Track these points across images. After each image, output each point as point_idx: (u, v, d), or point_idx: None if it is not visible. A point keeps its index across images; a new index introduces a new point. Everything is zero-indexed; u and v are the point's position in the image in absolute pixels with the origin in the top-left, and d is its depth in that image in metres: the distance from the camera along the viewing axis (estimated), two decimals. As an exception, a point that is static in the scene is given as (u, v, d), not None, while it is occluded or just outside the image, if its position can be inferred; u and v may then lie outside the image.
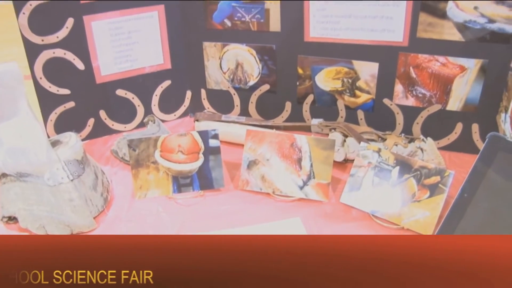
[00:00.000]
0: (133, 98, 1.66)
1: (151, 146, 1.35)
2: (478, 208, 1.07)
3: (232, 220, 1.25)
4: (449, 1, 1.35)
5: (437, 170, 1.21)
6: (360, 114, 1.59)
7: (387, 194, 1.24)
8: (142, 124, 1.67)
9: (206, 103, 1.75)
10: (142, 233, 1.21)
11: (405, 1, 1.38)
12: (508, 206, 1.05)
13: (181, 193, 1.35)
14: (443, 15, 1.37)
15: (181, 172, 1.35)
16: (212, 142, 1.35)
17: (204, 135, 1.35)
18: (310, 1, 1.46)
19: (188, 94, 1.75)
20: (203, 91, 1.74)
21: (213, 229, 1.21)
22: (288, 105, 1.66)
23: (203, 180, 1.35)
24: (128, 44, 1.59)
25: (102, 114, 1.63)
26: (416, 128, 1.54)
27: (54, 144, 1.31)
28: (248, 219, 1.25)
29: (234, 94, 1.69)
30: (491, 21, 1.34)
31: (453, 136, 1.52)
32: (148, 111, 1.70)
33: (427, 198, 1.20)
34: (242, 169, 1.36)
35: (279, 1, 1.49)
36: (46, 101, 1.53)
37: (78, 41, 1.50)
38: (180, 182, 1.35)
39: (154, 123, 1.56)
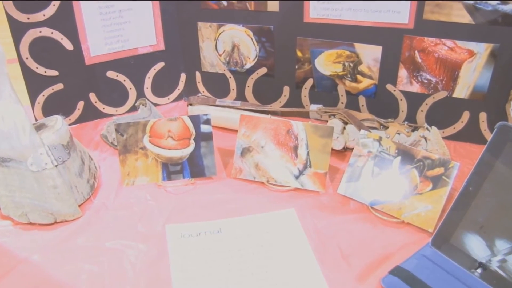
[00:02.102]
0: (124, 80, 1.60)
1: (139, 131, 1.28)
2: (484, 202, 1.01)
3: (223, 210, 1.20)
4: (459, -20, 1.27)
5: (441, 161, 1.14)
6: (362, 100, 1.52)
7: (387, 185, 1.18)
8: (134, 108, 1.61)
9: (201, 87, 1.69)
10: (128, 223, 1.16)
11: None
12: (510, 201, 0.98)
13: (171, 180, 1.29)
14: (452, -4, 1.30)
15: (171, 159, 1.29)
16: (204, 128, 1.29)
17: (195, 120, 1.29)
18: (310, -21, 1.39)
19: (183, 77, 1.69)
20: (197, 74, 1.67)
21: (203, 219, 1.16)
22: (286, 90, 1.59)
23: (194, 167, 1.29)
24: (119, 24, 1.52)
25: (92, 97, 1.57)
26: (421, 116, 1.47)
27: (39, 128, 1.25)
28: (240, 210, 1.20)
29: (230, 77, 1.63)
30: (504, 2, 1.26)
31: (459, 125, 1.45)
32: (140, 94, 1.64)
33: (429, 191, 1.13)
34: (235, 157, 1.30)
35: (278, -21, 1.42)
36: (33, 83, 1.48)
37: (66, 20, 1.44)
38: (170, 169, 1.29)
39: (146, 107, 1.50)
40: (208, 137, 1.29)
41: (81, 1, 1.43)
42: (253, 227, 1.13)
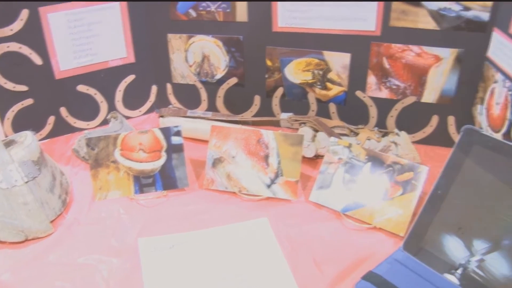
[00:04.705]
0: (95, 94, 1.59)
1: (110, 145, 1.28)
2: (452, 205, 1.02)
3: (196, 222, 1.19)
4: (423, -12, 1.29)
5: (410, 166, 1.15)
6: (332, 108, 1.53)
7: (358, 191, 1.19)
8: (106, 121, 1.59)
9: (172, 98, 1.68)
10: (101, 237, 1.15)
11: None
12: (483, 202, 1.00)
13: (143, 193, 1.29)
14: (417, 3, 1.31)
15: (142, 172, 1.28)
16: (175, 140, 1.29)
17: (166, 132, 1.29)
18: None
19: (154, 89, 1.69)
20: (168, 86, 1.67)
21: (176, 231, 1.16)
22: (257, 99, 1.60)
23: (166, 179, 1.29)
24: (88, 37, 1.51)
25: (63, 111, 1.56)
26: (391, 121, 1.48)
27: (8, 144, 1.23)
28: (214, 220, 1.19)
29: (201, 88, 1.63)
30: (466, 8, 1.28)
31: (428, 129, 1.47)
32: (112, 107, 1.63)
33: (400, 196, 1.14)
34: (207, 168, 1.30)
35: (246, -10, 1.43)
36: (2, 99, 1.46)
37: (34, 34, 1.43)
38: (142, 182, 1.29)
39: (117, 120, 1.49)
40: (179, 148, 1.29)
41: (49, 15, 1.41)
42: (226, 238, 1.13)
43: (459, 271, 0.96)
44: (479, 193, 1.00)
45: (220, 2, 1.46)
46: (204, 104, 1.65)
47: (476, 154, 1.01)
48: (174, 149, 1.29)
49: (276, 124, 1.55)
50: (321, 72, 1.48)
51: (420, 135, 1.48)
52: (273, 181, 1.25)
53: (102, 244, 1.12)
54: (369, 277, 0.99)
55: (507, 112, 1.18)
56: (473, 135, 1.02)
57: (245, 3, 1.44)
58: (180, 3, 1.49)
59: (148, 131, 1.29)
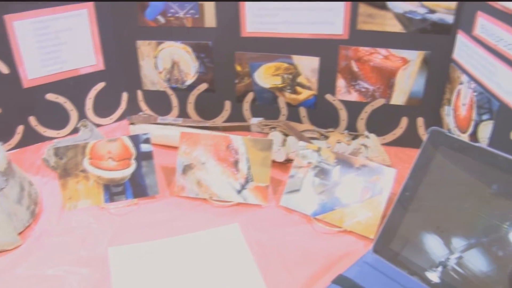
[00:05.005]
0: (65, 102, 1.57)
1: (79, 154, 1.26)
2: (420, 206, 1.03)
3: (167, 229, 1.18)
4: (389, -9, 1.31)
5: (379, 169, 1.16)
6: (303, 111, 1.53)
7: (327, 195, 1.19)
8: (76, 130, 1.57)
9: (143, 105, 1.67)
10: (70, 248, 1.13)
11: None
12: (450, 203, 1.00)
13: (114, 202, 1.27)
14: (383, 6, 1.32)
15: (112, 180, 1.27)
16: (144, 147, 1.28)
17: (135, 139, 1.28)
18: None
19: (125, 96, 1.67)
20: (139, 93, 1.66)
21: (147, 239, 1.15)
22: (228, 104, 1.60)
23: (137, 187, 1.28)
24: (56, 45, 1.49)
25: (32, 120, 1.54)
26: (361, 124, 1.49)
27: (-25, 155, 1.22)
28: (185, 227, 1.19)
29: (171, 94, 1.62)
30: (431, 11, 1.30)
31: (398, 131, 1.48)
32: (82, 115, 1.61)
33: (369, 198, 1.15)
34: (177, 174, 1.29)
35: (213, -5, 1.43)
36: (-31, 109, 1.44)
37: (0, 43, 1.41)
38: (112, 191, 1.27)
39: (87, 128, 1.48)
40: (148, 156, 1.28)
41: (15, 22, 1.40)
42: (197, 245, 1.12)
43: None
44: (452, 192, 1.00)
45: (188, 9, 1.46)
46: (175, 110, 1.65)
47: (442, 155, 1.02)
48: (144, 157, 1.28)
49: (247, 129, 1.54)
50: (290, 76, 1.48)
51: (390, 137, 1.49)
52: (243, 187, 1.25)
53: (72, 255, 1.10)
54: (339, 280, 0.99)
55: (473, 113, 1.19)
56: (439, 137, 1.03)
57: (213, 9, 1.44)
58: (148, 9, 1.49)
59: (117, 139, 1.28)
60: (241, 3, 1.41)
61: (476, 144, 0.98)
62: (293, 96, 1.51)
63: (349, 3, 1.34)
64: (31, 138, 1.56)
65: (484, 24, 1.14)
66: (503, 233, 0.91)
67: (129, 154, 1.28)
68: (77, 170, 1.26)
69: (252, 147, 1.26)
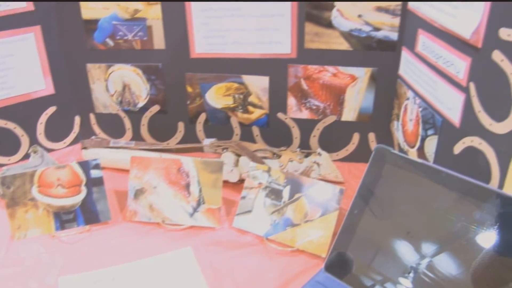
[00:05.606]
0: (15, 128, 1.54)
1: (27, 182, 1.24)
2: (368, 224, 1.04)
3: (120, 255, 1.16)
4: (334, 10, 1.32)
5: (328, 187, 1.17)
6: (256, 130, 1.54)
7: (279, 215, 1.19)
8: (28, 156, 1.54)
9: (96, 128, 1.65)
10: (18, 280, 1.10)
11: (290, 12, 1.34)
12: (399, 219, 1.02)
13: (65, 230, 1.25)
14: (328, 24, 1.34)
15: (62, 208, 1.25)
16: (94, 173, 1.26)
17: (84, 166, 1.26)
18: (193, 15, 1.40)
19: (77, 119, 1.65)
20: (92, 116, 1.64)
21: (99, 266, 1.13)
22: (181, 125, 1.59)
23: (88, 214, 1.26)
24: (2, 70, 1.46)
25: (-19, 147, 1.51)
26: (314, 141, 1.50)
27: None
28: (138, 253, 1.17)
29: (124, 117, 1.61)
30: (376, 29, 1.32)
31: (351, 147, 1.49)
32: (33, 140, 1.58)
33: (319, 217, 1.15)
34: (129, 199, 1.28)
35: (161, 17, 1.42)
36: None
37: None
38: (63, 218, 1.25)
39: (37, 154, 1.45)
40: (99, 182, 1.26)
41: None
42: (150, 270, 1.11)
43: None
44: (400, 208, 1.02)
45: (136, 31, 1.45)
46: (129, 132, 1.63)
47: (388, 173, 1.04)
48: (94, 183, 1.26)
49: (200, 150, 1.54)
50: (241, 96, 1.49)
51: (343, 153, 1.50)
52: (195, 210, 1.25)
53: (20, 287, 1.08)
54: (291, 301, 0.99)
55: (419, 128, 1.21)
56: (385, 154, 1.04)
57: (161, 30, 1.44)
58: (96, 32, 1.47)
59: (65, 166, 1.26)
60: (189, 24, 1.41)
61: (419, 161, 1.00)
62: (245, 115, 1.52)
63: (295, 22, 1.35)
64: (-19, 166, 1.53)
65: (425, 42, 1.17)
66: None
67: (79, 181, 1.26)
68: (26, 199, 1.24)
69: (203, 169, 1.25)
